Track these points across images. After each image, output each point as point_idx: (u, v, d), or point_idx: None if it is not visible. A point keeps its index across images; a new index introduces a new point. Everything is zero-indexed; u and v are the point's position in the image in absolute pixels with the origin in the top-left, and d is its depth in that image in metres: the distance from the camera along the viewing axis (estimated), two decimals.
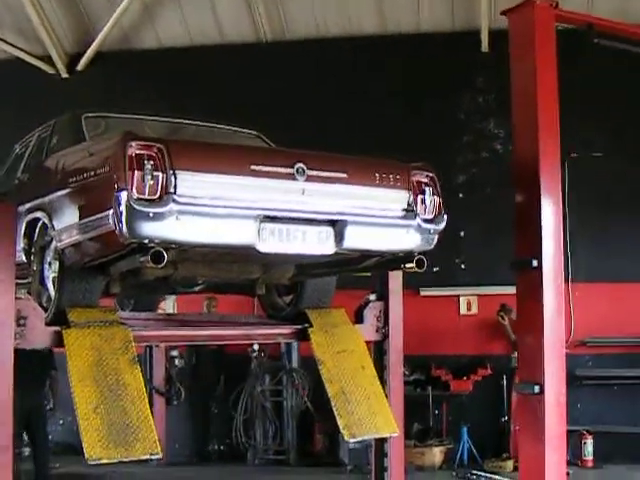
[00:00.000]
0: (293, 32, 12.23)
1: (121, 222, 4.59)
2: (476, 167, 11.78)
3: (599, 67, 10.48)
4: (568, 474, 6.36)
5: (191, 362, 11.51)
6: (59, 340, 5.24)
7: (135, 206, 4.56)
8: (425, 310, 11.00)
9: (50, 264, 5.66)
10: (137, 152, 4.64)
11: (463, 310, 11.72)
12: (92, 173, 4.93)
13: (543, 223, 6.17)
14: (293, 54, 12.13)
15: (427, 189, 5.60)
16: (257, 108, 11.54)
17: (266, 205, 4.98)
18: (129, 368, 5.16)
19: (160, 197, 4.62)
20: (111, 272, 5.34)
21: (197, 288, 6.28)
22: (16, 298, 5.16)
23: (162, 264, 4.63)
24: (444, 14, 11.89)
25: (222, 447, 11.64)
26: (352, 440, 5.87)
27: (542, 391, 5.99)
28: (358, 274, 6.44)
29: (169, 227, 4.65)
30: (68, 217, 5.19)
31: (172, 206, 4.62)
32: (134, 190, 4.58)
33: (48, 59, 12.74)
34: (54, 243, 5.57)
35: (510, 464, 10.68)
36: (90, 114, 6.20)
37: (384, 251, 5.58)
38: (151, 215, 4.59)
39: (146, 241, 4.64)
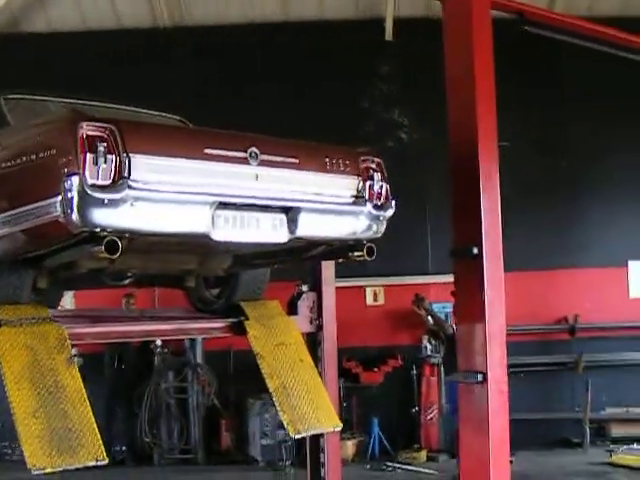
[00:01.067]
0: (192, 18, 11.86)
1: (72, 210, 4.15)
2: (382, 156, 11.64)
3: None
4: (511, 462, 6.28)
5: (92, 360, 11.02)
6: None
7: (89, 192, 4.13)
8: None
9: None
10: (89, 133, 4.20)
11: (370, 301, 11.64)
12: (30, 157, 4.45)
13: (483, 210, 6.03)
14: (192, 40, 11.77)
15: (375, 175, 5.40)
16: (154, 95, 11.19)
17: (221, 191, 4.66)
18: (66, 368, 4.76)
19: (113, 182, 4.21)
20: (46, 265, 4.94)
21: (126, 281, 5.90)
22: None
23: (117, 254, 4.25)
24: (348, 1, 11.73)
25: (125, 448, 11.21)
26: (297, 436, 5.62)
27: (485, 379, 5.90)
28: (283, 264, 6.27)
29: (124, 214, 4.25)
30: (1, 205, 4.74)
31: (127, 192, 4.23)
32: (87, 174, 4.17)
33: None
34: None
35: (423, 454, 10.73)
36: (10, 96, 5.75)
37: (335, 239, 5.36)
38: (106, 202, 4.17)
39: (98, 230, 4.23)
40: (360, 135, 11.66)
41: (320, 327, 6.34)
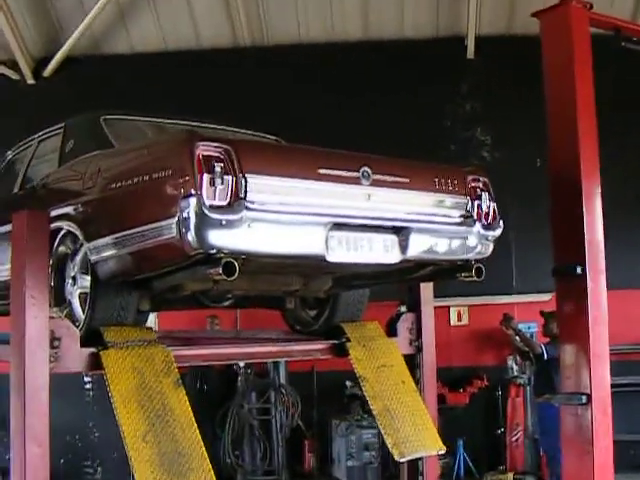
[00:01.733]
0: (273, 37, 11.89)
1: (189, 231, 4.13)
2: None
3: None
4: None
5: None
6: (96, 363, 4.78)
7: (207, 213, 4.10)
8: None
9: (74, 278, 5.23)
10: (205, 154, 4.19)
11: (454, 321, 11.50)
12: (143, 178, 4.44)
13: (586, 229, 5.92)
14: (274, 59, 11.79)
15: (483, 194, 5.33)
16: (236, 114, 11.22)
17: (335, 212, 4.62)
18: (174, 391, 4.75)
19: (229, 203, 4.18)
20: (154, 287, 4.93)
21: (226, 302, 5.88)
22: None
23: (234, 276, 4.20)
24: (428, 20, 11.69)
25: None
26: (402, 459, 5.53)
27: (590, 401, 5.75)
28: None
29: (241, 236, 4.22)
30: (108, 226, 4.71)
31: (245, 213, 4.20)
32: (204, 195, 4.13)
33: (13, 64, 12.16)
34: (80, 255, 5.15)
35: (510, 476, 10.51)
36: (109, 116, 5.78)
37: (444, 259, 5.28)
38: (224, 223, 4.14)
39: (214, 251, 4.20)
40: (443, 154, 11.56)
41: (419, 349, 6.22)
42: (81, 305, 5.15)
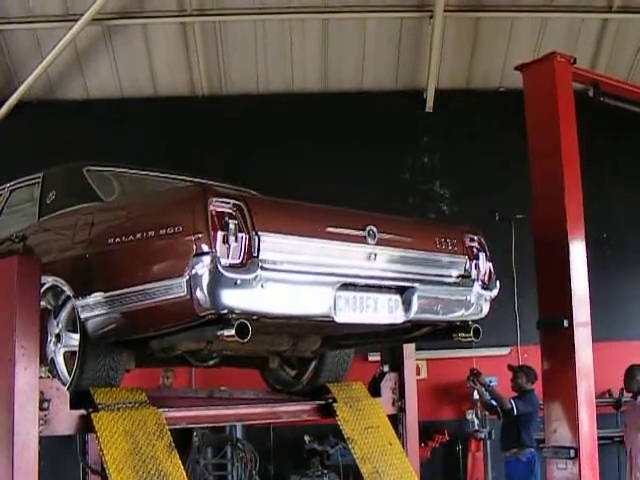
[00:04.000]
0: (232, 88, 11.82)
1: (201, 290, 3.99)
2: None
3: None
4: None
5: None
6: (86, 425, 4.60)
7: (222, 272, 3.97)
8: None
9: (59, 336, 5.02)
10: (218, 210, 4.07)
11: None
12: (148, 234, 4.27)
13: (573, 282, 5.99)
14: (231, 109, 11.72)
15: (480, 254, 5.32)
16: (191, 161, 11.13)
17: (343, 271, 4.55)
18: (168, 455, 4.60)
19: (243, 262, 4.07)
20: (151, 347, 4.75)
21: (211, 362, 5.73)
22: None
23: (247, 337, 4.06)
24: (388, 73, 11.76)
25: None
26: None
27: (577, 455, 5.76)
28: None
29: (254, 296, 4.10)
30: (103, 283, 4.53)
31: (259, 272, 4.09)
32: (219, 253, 4.01)
33: None
34: (66, 312, 4.96)
35: None
36: (91, 167, 5.62)
37: (445, 320, 5.23)
38: (238, 282, 4.02)
39: (226, 312, 4.07)
40: (401, 206, 11.55)
41: (402, 409, 6.18)
42: (66, 364, 4.97)
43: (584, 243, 6.14)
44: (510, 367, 9.75)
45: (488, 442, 10.86)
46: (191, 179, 6.06)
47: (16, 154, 11.35)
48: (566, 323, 5.90)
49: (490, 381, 10.27)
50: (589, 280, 6.06)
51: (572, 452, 5.77)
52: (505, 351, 11.09)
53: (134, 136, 11.46)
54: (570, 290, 5.94)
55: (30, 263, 4.57)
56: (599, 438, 6.31)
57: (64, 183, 5.57)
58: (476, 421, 10.92)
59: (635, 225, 11.74)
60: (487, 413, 10.72)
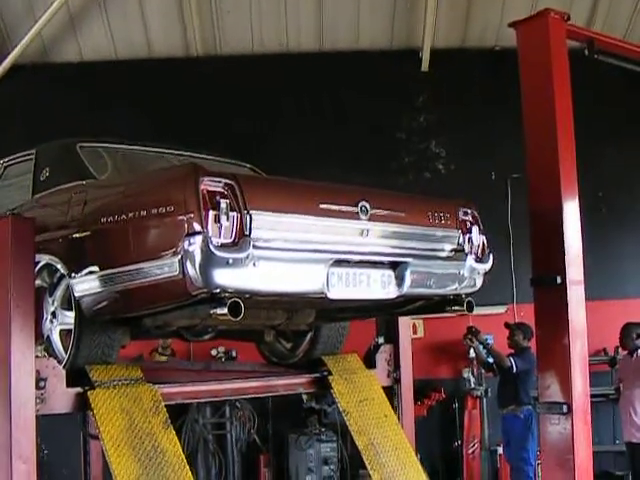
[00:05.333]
0: (226, 47, 11.74)
1: (193, 270, 4.02)
2: (419, 187, 11.54)
3: None
4: None
5: None
6: (83, 403, 4.67)
7: (214, 252, 4.00)
8: (371, 336, 10.71)
9: (54, 314, 5.07)
10: (210, 189, 4.08)
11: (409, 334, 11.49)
12: (140, 213, 4.29)
13: (566, 239, 5.95)
14: (225, 69, 11.64)
15: (473, 228, 5.34)
16: (185, 125, 11.12)
17: (336, 248, 4.58)
18: (164, 432, 4.67)
19: (235, 241, 4.09)
20: (144, 324, 4.80)
21: (207, 336, 5.78)
22: None
23: (240, 316, 4.10)
24: (383, 32, 11.66)
25: None
26: None
27: (570, 410, 5.79)
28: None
29: (246, 275, 4.12)
30: (96, 262, 4.55)
31: (251, 251, 4.11)
32: (210, 233, 4.02)
33: None
34: (61, 290, 5.00)
35: None
36: (85, 144, 5.61)
37: (438, 294, 5.27)
38: (230, 262, 4.03)
39: (218, 291, 4.10)
40: (396, 167, 11.58)
41: (397, 380, 6.22)
42: (62, 342, 5.01)
43: (577, 201, 6.07)
44: (507, 325, 9.84)
45: (484, 400, 10.99)
46: (187, 154, 6.05)
47: (11, 118, 11.35)
48: (559, 280, 5.87)
49: (486, 339, 10.39)
50: (584, 239, 6.03)
51: (565, 408, 5.78)
52: (501, 309, 11.16)
53: (129, 98, 11.43)
54: (563, 248, 5.91)
55: (24, 223, 4.62)
56: (594, 395, 6.44)
57: (57, 160, 5.55)
58: (472, 379, 11.04)
59: (630, 184, 11.74)
60: (483, 371, 10.85)
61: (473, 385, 11.03)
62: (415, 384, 10.23)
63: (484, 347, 9.88)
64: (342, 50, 11.72)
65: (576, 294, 5.94)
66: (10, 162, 6.06)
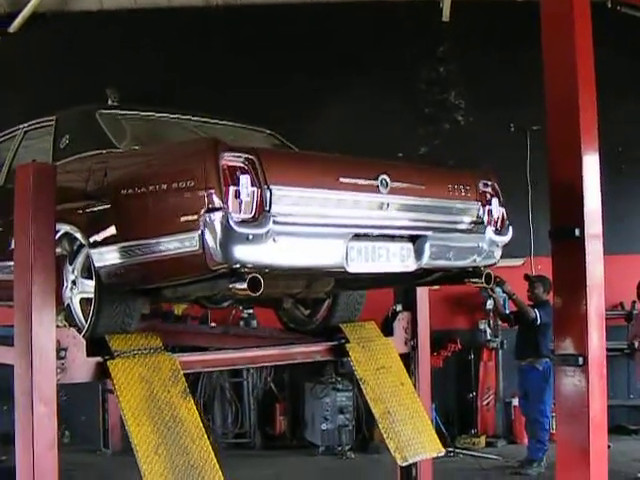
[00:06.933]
0: None
1: (213, 245, 4.05)
2: (438, 139, 11.55)
3: None
4: (609, 447, 6.24)
5: None
6: (102, 373, 4.75)
7: (235, 228, 4.02)
8: (389, 303, 10.75)
9: (75, 282, 5.15)
10: (230, 164, 4.09)
11: None
12: (161, 186, 4.29)
13: (585, 193, 5.90)
14: (245, 20, 11.56)
15: (493, 199, 5.33)
16: (203, 78, 11.09)
17: (355, 222, 4.59)
18: (183, 401, 4.74)
19: (255, 216, 4.11)
20: (164, 295, 4.86)
21: (226, 304, 5.83)
22: None
23: (260, 291, 4.13)
24: None
25: None
26: (404, 464, 5.59)
27: (585, 362, 5.82)
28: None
29: (266, 250, 4.14)
30: (117, 234, 4.60)
31: (271, 226, 4.14)
32: (230, 209, 4.04)
33: None
34: (81, 258, 5.06)
35: (483, 440, 10.72)
36: (104, 111, 5.62)
37: (456, 266, 5.27)
38: (250, 237, 4.06)
39: (238, 266, 4.12)
40: (415, 117, 11.53)
41: (414, 347, 6.27)
42: (82, 310, 5.09)
43: (597, 155, 6.01)
44: (527, 277, 9.80)
45: (500, 352, 11.09)
46: (207, 120, 6.04)
47: (30, 66, 11.34)
48: (578, 233, 5.85)
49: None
50: (602, 194, 5.99)
51: (581, 360, 5.81)
52: (519, 262, 11.15)
53: (147, 48, 11.39)
54: (582, 201, 5.87)
55: (45, 169, 4.67)
56: (609, 350, 6.46)
57: (77, 128, 5.55)
58: (488, 331, 11.11)
59: None
60: (500, 322, 10.91)
61: (489, 337, 11.10)
62: (432, 335, 10.38)
63: (509, 297, 9.82)
64: (363, 0, 11.55)
65: (594, 247, 5.91)
66: (30, 128, 6.08)
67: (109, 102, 10.67)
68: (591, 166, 5.98)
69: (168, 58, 11.28)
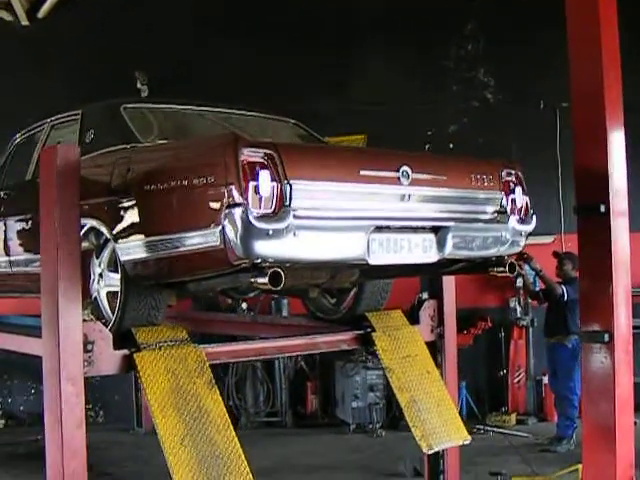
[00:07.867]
0: None
1: (234, 240, 4.09)
2: (467, 116, 11.49)
3: None
4: (635, 423, 6.20)
5: None
6: (129, 365, 4.85)
7: (254, 223, 4.06)
8: (415, 291, 10.73)
9: (101, 276, 5.23)
10: (250, 160, 4.12)
11: None
12: (182, 182, 4.35)
13: (610, 169, 5.79)
14: None
15: (517, 188, 5.31)
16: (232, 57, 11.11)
17: (376, 214, 4.61)
18: (208, 392, 4.82)
19: (275, 211, 4.15)
20: (189, 288, 4.94)
21: (252, 294, 5.89)
22: None
23: (281, 285, 4.19)
24: None
25: None
26: (430, 452, 5.64)
27: (612, 339, 5.76)
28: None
29: (286, 244, 4.19)
30: (141, 229, 4.66)
31: (291, 221, 4.17)
32: (250, 204, 4.08)
33: (6, 4, 11.78)
34: (107, 252, 5.14)
35: (513, 418, 10.71)
36: (129, 105, 5.65)
37: (480, 256, 5.27)
38: (270, 232, 4.11)
39: (259, 260, 4.17)
40: (444, 95, 11.47)
41: (441, 335, 6.28)
42: (109, 303, 5.18)
43: (623, 131, 5.91)
44: (556, 254, 9.74)
45: (530, 330, 11.07)
46: (231, 111, 6.06)
47: (59, 51, 11.41)
48: (603, 208, 5.76)
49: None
50: (630, 172, 5.90)
51: (607, 336, 5.75)
52: (549, 239, 11.09)
53: (176, 30, 11.40)
54: (607, 177, 5.76)
55: (70, 151, 4.75)
56: (635, 327, 6.44)
57: (102, 122, 5.60)
58: (519, 309, 11.07)
59: None
60: (530, 301, 10.88)
61: (519, 315, 11.07)
62: (462, 313, 10.39)
63: (537, 274, 9.77)
64: None
65: (620, 224, 5.83)
66: (56, 122, 6.16)
67: (138, 85, 10.86)
68: (616, 141, 5.90)
69: (196, 39, 11.26)
